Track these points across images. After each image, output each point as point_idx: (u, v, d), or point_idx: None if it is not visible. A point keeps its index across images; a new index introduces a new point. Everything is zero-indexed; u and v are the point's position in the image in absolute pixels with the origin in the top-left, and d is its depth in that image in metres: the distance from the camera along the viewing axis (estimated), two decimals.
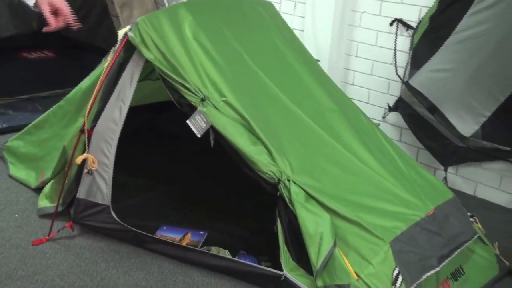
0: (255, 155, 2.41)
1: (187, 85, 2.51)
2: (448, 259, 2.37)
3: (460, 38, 2.98)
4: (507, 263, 2.71)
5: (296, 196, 2.34)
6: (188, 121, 2.52)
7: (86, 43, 5.37)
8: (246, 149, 2.42)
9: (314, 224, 2.28)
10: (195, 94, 2.51)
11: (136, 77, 2.64)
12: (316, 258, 2.23)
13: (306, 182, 2.40)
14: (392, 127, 3.65)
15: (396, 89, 3.53)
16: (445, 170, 3.30)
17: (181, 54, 2.58)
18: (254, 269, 2.49)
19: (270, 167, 2.39)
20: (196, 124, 2.52)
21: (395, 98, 3.51)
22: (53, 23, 2.24)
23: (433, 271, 2.30)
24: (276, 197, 2.42)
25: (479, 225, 2.74)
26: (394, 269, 2.21)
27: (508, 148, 3.09)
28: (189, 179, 3.39)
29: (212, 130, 2.50)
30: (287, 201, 2.36)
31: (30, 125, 3.32)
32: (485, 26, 2.89)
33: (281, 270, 2.39)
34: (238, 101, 2.52)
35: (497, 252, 2.74)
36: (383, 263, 2.22)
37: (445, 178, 3.30)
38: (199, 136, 2.52)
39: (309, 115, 2.65)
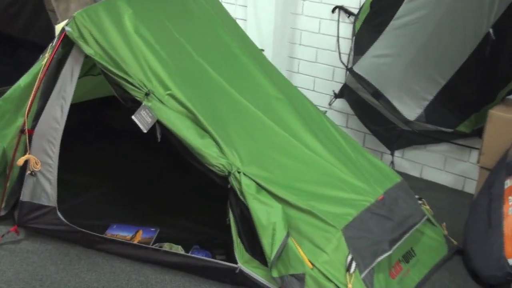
0: (203, 148, 2.38)
1: (130, 79, 2.44)
2: (399, 242, 2.41)
3: (400, 24, 3.01)
4: (455, 242, 2.77)
5: (247, 188, 2.32)
6: (133, 117, 2.46)
7: (21, 39, 5.16)
8: (194, 143, 2.38)
9: (266, 215, 2.27)
10: (139, 89, 2.44)
11: (77, 73, 2.56)
12: (270, 249, 2.22)
13: (256, 173, 2.38)
14: (338, 113, 3.67)
15: (340, 76, 3.55)
16: (392, 154, 3.36)
17: (123, 48, 2.50)
18: (208, 263, 2.46)
19: (219, 160, 2.36)
20: (142, 120, 2.46)
21: (340, 85, 3.53)
22: None
23: (385, 255, 2.33)
24: (227, 190, 2.40)
25: (427, 207, 2.80)
26: (348, 255, 2.23)
27: (450, 130, 3.16)
28: (136, 175, 3.33)
29: (158, 124, 2.45)
30: (238, 193, 2.34)
31: None
32: (422, 12, 2.94)
33: (236, 263, 2.38)
34: (183, 94, 2.47)
35: (445, 232, 2.81)
36: (336, 250, 2.24)
37: (392, 162, 3.35)
38: (145, 131, 2.46)
39: (256, 105, 2.63)
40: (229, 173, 2.35)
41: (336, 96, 3.52)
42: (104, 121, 3.88)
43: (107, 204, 3.01)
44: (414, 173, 3.51)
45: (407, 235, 2.47)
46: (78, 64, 2.54)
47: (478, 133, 3.11)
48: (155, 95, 2.44)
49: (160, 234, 2.73)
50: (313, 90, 3.71)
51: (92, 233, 2.60)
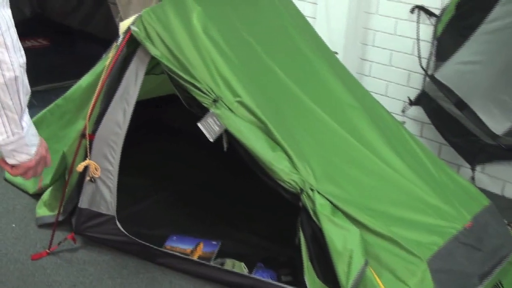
0: (274, 162, 2.18)
1: (198, 84, 2.25)
2: (490, 277, 2.16)
3: (492, 28, 2.73)
4: None
5: (322, 209, 2.10)
6: (199, 124, 2.27)
7: (81, 31, 5.09)
8: (265, 156, 2.18)
9: (342, 240, 2.05)
10: (207, 95, 2.26)
11: (142, 75, 2.39)
12: (346, 278, 2.00)
13: (331, 191, 2.16)
14: (412, 121, 3.41)
15: (416, 81, 3.28)
16: (473, 169, 3.07)
17: (190, 49, 2.31)
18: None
19: (291, 175, 2.15)
20: (209, 128, 2.28)
21: (416, 91, 3.27)
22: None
23: None
24: (298, 208, 2.19)
25: None
26: None
27: None
28: (197, 179, 3.13)
29: (225, 134, 2.26)
30: (311, 213, 2.13)
31: None
32: None
33: (304, 286, 2.17)
34: (254, 101, 2.26)
35: None
36: (421, 284, 1.99)
37: (473, 178, 3.07)
38: (211, 140, 2.28)
39: (330, 114, 2.41)
40: (302, 190, 2.14)
41: (412, 103, 3.25)
42: (163, 120, 3.71)
43: (167, 211, 2.84)
44: (495, 190, 3.22)
45: (499, 268, 2.21)
46: (143, 65, 2.37)
47: None
48: (223, 102, 2.25)
49: (221, 247, 2.54)
50: (385, 95, 3.45)
51: (151, 245, 2.44)
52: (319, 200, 2.11)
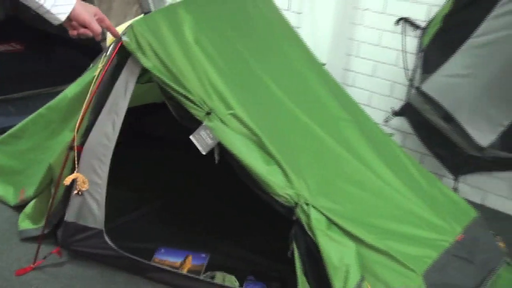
0: (268, 176, 2.14)
1: (190, 96, 2.21)
2: None
3: (481, 42, 2.74)
4: None
5: (317, 223, 2.08)
6: (192, 137, 2.23)
7: (58, 36, 4.96)
8: (259, 169, 2.15)
9: (339, 255, 2.02)
10: (200, 107, 2.21)
11: (131, 87, 2.33)
12: None
13: (326, 205, 2.14)
14: (394, 131, 3.42)
15: (400, 92, 3.31)
16: (456, 180, 3.10)
17: (182, 61, 2.26)
18: None
19: (286, 189, 2.13)
20: (201, 141, 2.24)
21: (399, 102, 3.28)
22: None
23: None
24: (292, 222, 2.17)
25: (503, 244, 2.54)
26: None
27: None
28: (184, 189, 3.08)
29: (218, 146, 2.22)
30: (306, 227, 2.11)
31: (6, 134, 2.96)
32: (508, 31, 2.65)
33: None
34: (247, 114, 2.23)
35: None
36: None
37: (455, 189, 3.09)
38: (204, 153, 2.24)
39: (323, 127, 2.39)
40: (296, 204, 2.12)
41: (396, 113, 3.26)
42: (146, 129, 3.64)
43: (154, 223, 2.78)
44: (476, 199, 3.26)
45: (489, 281, 2.22)
46: (133, 77, 2.31)
47: None
48: (216, 115, 2.21)
49: (210, 260, 2.50)
50: (369, 106, 3.46)
51: (140, 259, 2.38)
52: (314, 215, 2.09)
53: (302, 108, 2.42)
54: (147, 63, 2.23)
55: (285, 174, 2.15)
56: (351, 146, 2.39)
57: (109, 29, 2.21)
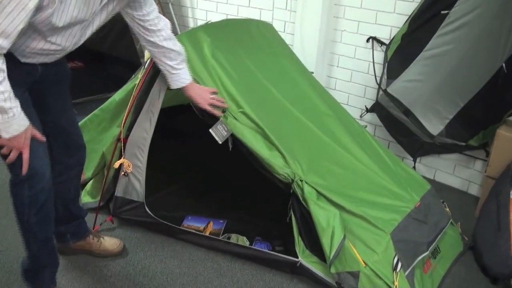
0: (271, 159, 2.11)
1: None
2: (434, 244, 2.13)
3: (429, 55, 2.69)
4: (466, 238, 2.48)
5: (309, 195, 2.04)
6: (211, 130, 2.19)
7: (109, 55, 4.93)
8: (263, 154, 2.11)
9: (326, 219, 1.99)
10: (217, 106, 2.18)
11: (164, 91, 2.28)
12: (329, 248, 1.96)
13: (316, 181, 2.10)
14: (368, 124, 3.36)
15: (371, 94, 3.24)
16: (414, 160, 3.04)
17: (202, 71, 2.23)
18: (273, 256, 2.19)
19: (284, 169, 2.09)
20: (218, 133, 2.19)
21: (371, 101, 3.22)
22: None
23: (423, 255, 2.05)
24: (290, 194, 2.12)
25: (448, 209, 2.50)
26: (394, 256, 1.96)
27: (463, 143, 2.85)
28: (206, 172, 3.02)
29: (231, 137, 2.18)
30: (300, 198, 2.07)
31: None
32: (449, 46, 2.61)
33: (296, 256, 2.11)
34: (253, 111, 2.19)
35: (460, 230, 2.51)
36: (385, 251, 1.96)
37: (414, 167, 3.03)
38: (220, 143, 2.19)
39: (312, 121, 2.34)
40: (292, 180, 2.08)
41: (368, 110, 3.20)
42: (178, 125, 3.58)
43: (182, 198, 2.72)
44: (429, 175, 3.20)
45: (439, 237, 2.18)
46: (165, 84, 2.27)
47: (483, 146, 2.84)
48: (230, 112, 2.17)
49: (227, 225, 2.47)
50: (347, 104, 3.40)
51: (172, 225, 2.36)
52: (306, 188, 2.06)
53: (296, 107, 2.37)
54: None
55: (284, 158, 2.12)
56: (333, 135, 2.35)
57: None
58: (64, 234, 2.15)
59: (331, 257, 1.93)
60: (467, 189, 3.07)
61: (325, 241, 1.96)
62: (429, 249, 2.08)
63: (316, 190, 2.06)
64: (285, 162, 2.10)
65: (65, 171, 1.97)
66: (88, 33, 1.68)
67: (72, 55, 5.40)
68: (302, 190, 2.05)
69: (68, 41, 1.61)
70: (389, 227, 2.01)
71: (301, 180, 2.06)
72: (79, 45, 1.70)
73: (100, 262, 2.18)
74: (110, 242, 2.23)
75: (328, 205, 2.03)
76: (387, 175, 2.27)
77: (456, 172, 3.10)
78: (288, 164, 2.10)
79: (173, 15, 4.11)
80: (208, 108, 2.11)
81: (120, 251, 2.23)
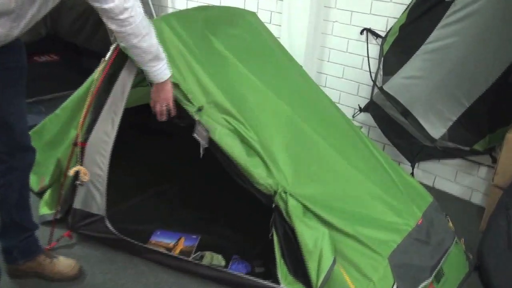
0: (251, 167, 1.79)
1: (187, 94, 1.85)
2: (437, 268, 1.82)
3: (431, 48, 2.38)
4: (471, 256, 2.18)
5: (294, 210, 1.73)
6: (194, 135, 1.86)
7: (85, 48, 4.58)
8: (243, 161, 1.79)
9: (313, 239, 1.69)
10: (192, 104, 1.85)
11: (128, 88, 1.96)
12: (316, 275, 1.65)
13: (301, 192, 1.78)
14: (360, 125, 3.03)
15: (364, 92, 2.92)
16: (412, 166, 2.74)
17: (176, 62, 1.89)
18: (249, 282, 1.87)
19: (267, 179, 1.77)
20: (201, 135, 1.85)
21: (364, 99, 2.91)
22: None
23: (426, 282, 1.75)
24: (271, 208, 1.81)
25: (451, 224, 2.19)
26: (393, 285, 1.65)
27: (467, 148, 2.55)
28: (180, 178, 2.68)
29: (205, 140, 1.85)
30: (284, 213, 1.75)
31: (32, 130, 2.57)
32: (454, 38, 2.31)
33: (277, 280, 1.80)
34: (229, 103, 1.87)
35: (464, 248, 2.20)
36: (383, 279, 1.66)
37: (412, 174, 2.73)
38: (206, 146, 1.85)
39: (300, 117, 2.02)
40: (275, 192, 1.76)
41: (361, 110, 2.89)
42: (149, 124, 3.22)
43: (152, 208, 2.38)
44: (427, 182, 2.90)
45: (443, 260, 1.87)
46: (130, 79, 1.94)
47: (489, 151, 2.54)
48: (206, 110, 1.83)
49: (201, 241, 2.13)
50: (338, 103, 3.08)
51: (137, 243, 2.03)
52: (291, 202, 1.74)
53: (283, 100, 2.03)
54: None
55: (265, 165, 1.81)
56: (324, 134, 2.03)
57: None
58: (11, 251, 1.84)
59: (318, 284, 1.62)
60: (470, 198, 2.78)
61: (311, 266, 1.65)
62: (432, 274, 1.77)
63: (302, 204, 1.74)
64: (267, 170, 1.78)
65: (8, 171, 1.73)
66: (22, 25, 1.49)
67: (47, 48, 5.03)
68: (286, 204, 1.74)
69: None
70: (387, 250, 1.71)
71: (285, 192, 1.75)
72: (14, 36, 1.52)
73: (54, 285, 1.85)
74: (64, 264, 1.90)
75: (316, 223, 1.72)
76: (386, 186, 1.97)
77: (458, 179, 2.80)
78: (271, 173, 1.78)
79: (151, 6, 3.76)
80: (153, 108, 1.88)
81: (75, 274, 1.90)
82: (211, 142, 1.84)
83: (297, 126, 1.99)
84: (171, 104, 1.86)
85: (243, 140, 1.83)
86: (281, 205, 1.76)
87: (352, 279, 1.64)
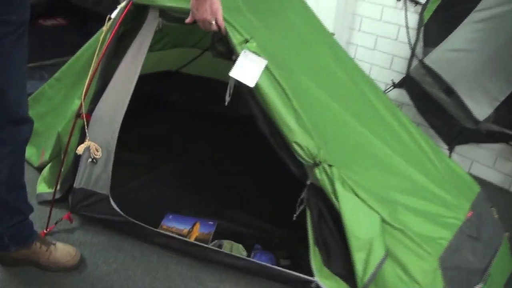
0: (296, 125, 1.48)
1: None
2: (488, 270, 1.57)
3: (482, 17, 2.08)
4: None
5: (343, 188, 1.45)
6: (232, 74, 1.48)
7: (93, 11, 4.29)
8: (288, 118, 1.48)
9: (363, 225, 1.43)
10: (240, 34, 1.51)
11: (145, 50, 1.68)
12: (363, 268, 1.40)
13: (347, 173, 1.50)
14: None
15: (399, 65, 2.64)
16: (450, 150, 2.46)
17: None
18: (279, 272, 1.62)
19: (308, 140, 1.47)
20: (243, 73, 1.48)
21: (398, 74, 2.63)
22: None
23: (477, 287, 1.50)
24: (305, 185, 1.54)
25: (496, 216, 1.93)
26: None
27: None
28: (194, 155, 2.41)
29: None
30: (330, 191, 1.46)
31: (30, 97, 2.32)
32: (510, 6, 1.99)
33: (309, 272, 1.55)
34: (280, 74, 1.53)
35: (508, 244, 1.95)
36: (431, 284, 1.41)
37: (450, 158, 2.45)
38: (252, 85, 1.48)
39: (342, 105, 1.72)
40: (315, 164, 1.47)
41: (395, 85, 2.60)
42: (160, 96, 2.96)
43: (163, 188, 2.13)
44: (463, 167, 2.61)
45: (494, 261, 1.62)
46: (147, 40, 1.66)
47: None
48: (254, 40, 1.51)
49: (218, 228, 1.89)
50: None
51: (147, 226, 1.79)
52: (338, 177, 1.46)
53: (321, 83, 1.74)
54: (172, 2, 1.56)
55: (307, 130, 1.50)
56: (369, 122, 1.77)
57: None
58: (1, 237, 1.59)
59: (365, 280, 1.37)
60: (510, 187, 2.52)
61: (357, 256, 1.40)
62: (483, 279, 1.53)
63: (349, 185, 1.47)
64: (308, 134, 1.49)
65: None
66: None
67: (54, 12, 4.71)
68: (331, 179, 1.46)
69: None
70: (437, 248, 1.46)
71: (329, 165, 1.47)
72: None
73: (49, 278, 1.63)
74: (63, 252, 1.67)
75: (368, 208, 1.45)
76: (432, 175, 1.72)
77: (497, 166, 2.53)
78: (312, 137, 1.49)
79: None
80: (190, 19, 1.49)
81: (75, 264, 1.68)
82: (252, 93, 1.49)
83: (338, 113, 1.70)
84: (220, 17, 1.47)
85: (286, 104, 1.52)
86: (324, 179, 1.46)
87: (399, 281, 1.40)
